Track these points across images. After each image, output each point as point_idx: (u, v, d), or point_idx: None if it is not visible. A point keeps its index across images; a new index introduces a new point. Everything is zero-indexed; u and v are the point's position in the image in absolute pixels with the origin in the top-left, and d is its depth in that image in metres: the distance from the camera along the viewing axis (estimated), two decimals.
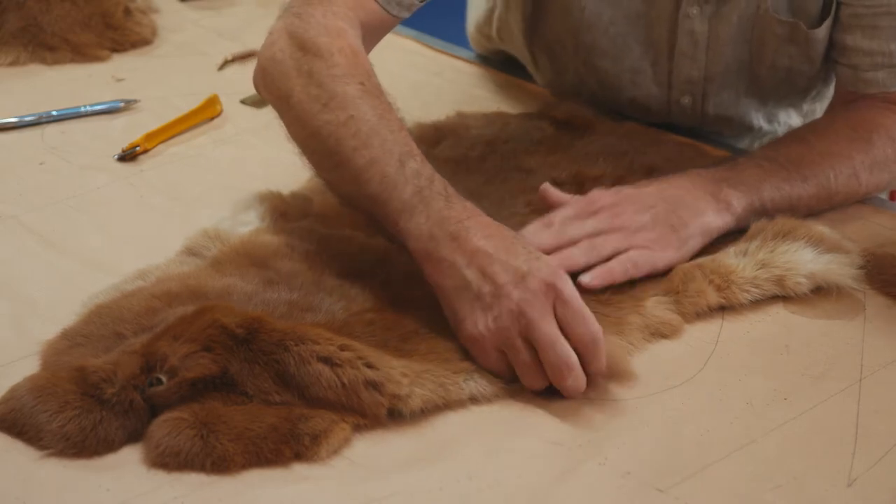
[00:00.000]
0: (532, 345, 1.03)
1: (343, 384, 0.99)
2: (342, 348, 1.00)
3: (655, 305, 1.14)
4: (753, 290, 1.16)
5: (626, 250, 1.16)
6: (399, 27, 1.34)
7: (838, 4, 1.36)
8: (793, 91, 1.47)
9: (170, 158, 1.42)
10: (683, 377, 1.08)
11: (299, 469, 0.96)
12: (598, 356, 1.03)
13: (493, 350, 1.04)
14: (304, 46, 1.18)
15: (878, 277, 1.20)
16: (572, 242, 1.16)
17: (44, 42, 1.64)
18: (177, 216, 1.30)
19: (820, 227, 1.22)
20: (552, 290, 1.03)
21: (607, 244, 1.16)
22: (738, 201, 1.24)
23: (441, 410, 1.02)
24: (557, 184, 1.26)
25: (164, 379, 0.98)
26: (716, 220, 1.23)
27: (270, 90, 1.20)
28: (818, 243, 1.19)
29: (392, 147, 1.12)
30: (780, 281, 1.17)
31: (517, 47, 1.58)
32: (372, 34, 1.25)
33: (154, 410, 0.98)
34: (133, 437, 0.98)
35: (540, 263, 1.05)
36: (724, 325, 1.15)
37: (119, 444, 0.97)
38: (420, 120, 1.44)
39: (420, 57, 1.69)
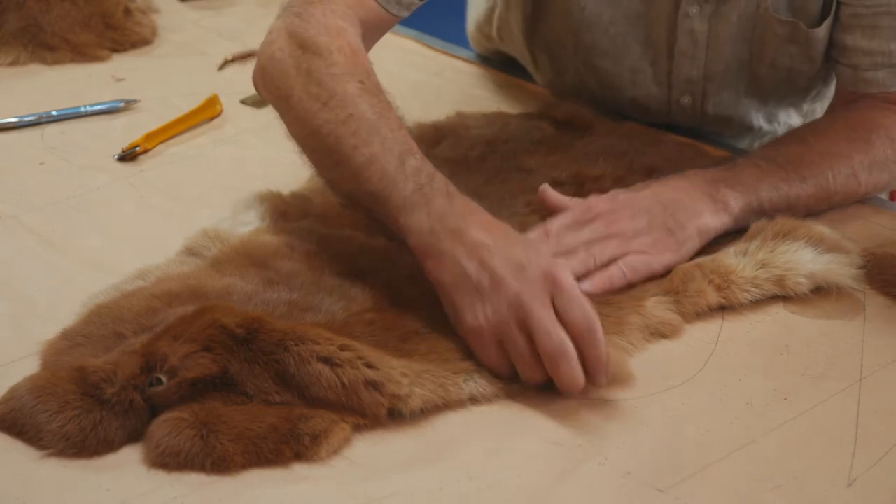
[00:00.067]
0: (530, 336, 1.02)
1: (343, 384, 0.99)
2: (342, 348, 1.00)
3: (655, 305, 1.14)
4: (753, 289, 1.16)
5: (623, 256, 1.16)
6: (399, 27, 1.34)
7: (838, 4, 1.36)
8: (793, 91, 1.47)
9: (170, 158, 1.42)
10: (683, 377, 1.08)
11: (299, 469, 0.96)
12: (594, 342, 1.02)
13: (491, 342, 1.04)
14: (303, 45, 1.18)
15: (878, 277, 1.20)
16: (570, 252, 1.16)
17: (44, 42, 1.64)
18: (177, 216, 1.30)
19: (820, 227, 1.22)
20: (550, 280, 1.03)
21: (604, 251, 1.16)
22: (736, 201, 1.24)
23: (441, 410, 1.02)
24: (557, 184, 1.26)
25: (164, 379, 0.98)
26: (713, 220, 1.23)
27: (270, 89, 1.21)
28: (818, 243, 1.19)
29: (392, 145, 1.12)
30: (780, 281, 1.17)
31: (517, 47, 1.58)
32: (371, 33, 1.25)
33: (154, 410, 0.98)
34: (133, 437, 0.97)
35: (539, 255, 1.05)
36: (724, 325, 1.15)
37: (119, 444, 0.97)
38: (420, 120, 1.44)
39: (420, 57, 1.69)
